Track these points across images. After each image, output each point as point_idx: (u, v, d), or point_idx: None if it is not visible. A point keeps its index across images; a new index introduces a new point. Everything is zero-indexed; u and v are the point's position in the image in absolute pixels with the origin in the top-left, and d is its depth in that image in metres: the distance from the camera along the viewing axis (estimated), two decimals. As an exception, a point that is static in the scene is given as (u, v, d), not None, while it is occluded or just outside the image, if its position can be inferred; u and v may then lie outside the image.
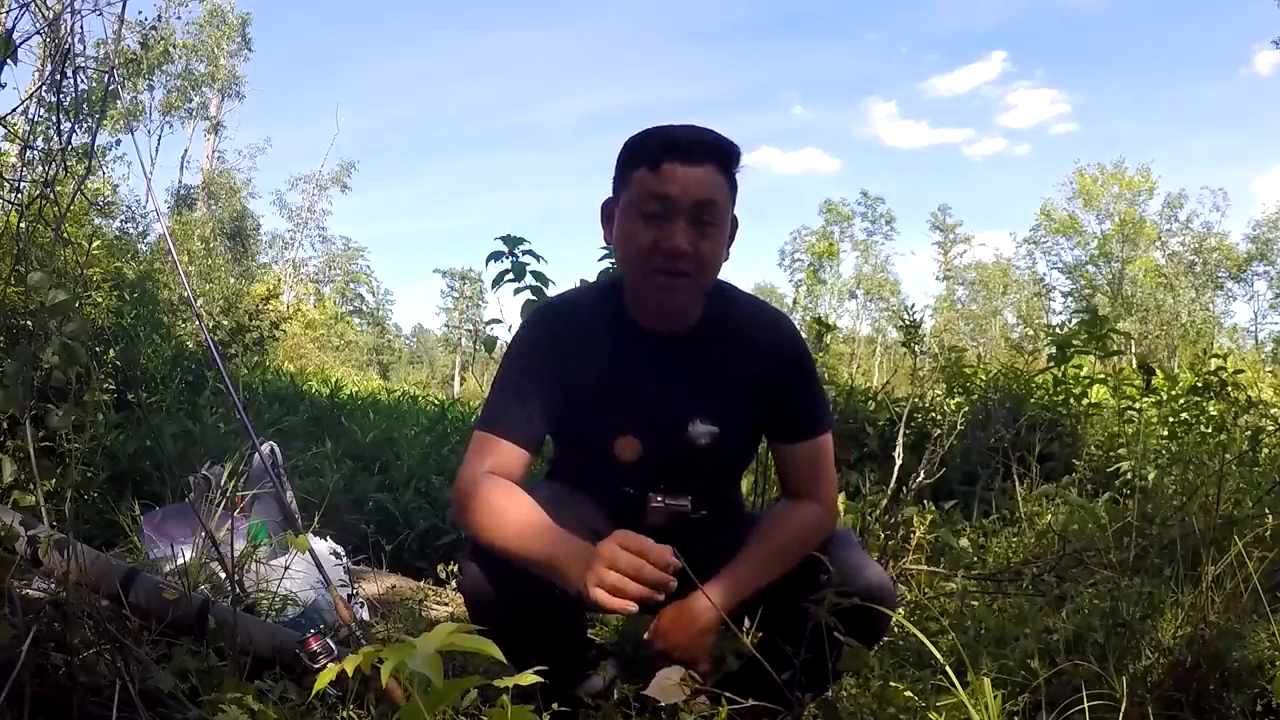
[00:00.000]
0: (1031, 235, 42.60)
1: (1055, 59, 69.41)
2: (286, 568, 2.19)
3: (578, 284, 2.65)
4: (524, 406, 1.56)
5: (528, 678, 0.94)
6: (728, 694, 1.39)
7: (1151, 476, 3.46)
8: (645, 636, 1.55)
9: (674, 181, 1.45)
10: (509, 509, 1.45)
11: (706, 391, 1.60)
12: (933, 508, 3.32)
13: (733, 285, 1.66)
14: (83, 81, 1.82)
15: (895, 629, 2.11)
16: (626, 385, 1.59)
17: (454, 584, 1.59)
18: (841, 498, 3.14)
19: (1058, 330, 4.53)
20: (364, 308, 46.33)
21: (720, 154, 1.50)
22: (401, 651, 0.84)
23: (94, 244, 5.45)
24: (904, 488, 3.04)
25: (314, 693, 1.41)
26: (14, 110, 1.90)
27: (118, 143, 20.68)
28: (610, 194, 1.58)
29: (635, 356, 1.59)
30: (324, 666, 1.67)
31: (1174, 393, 4.53)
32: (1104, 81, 68.28)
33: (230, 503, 2.50)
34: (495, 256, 3.01)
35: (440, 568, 2.55)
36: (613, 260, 3.03)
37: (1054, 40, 67.81)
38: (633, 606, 1.29)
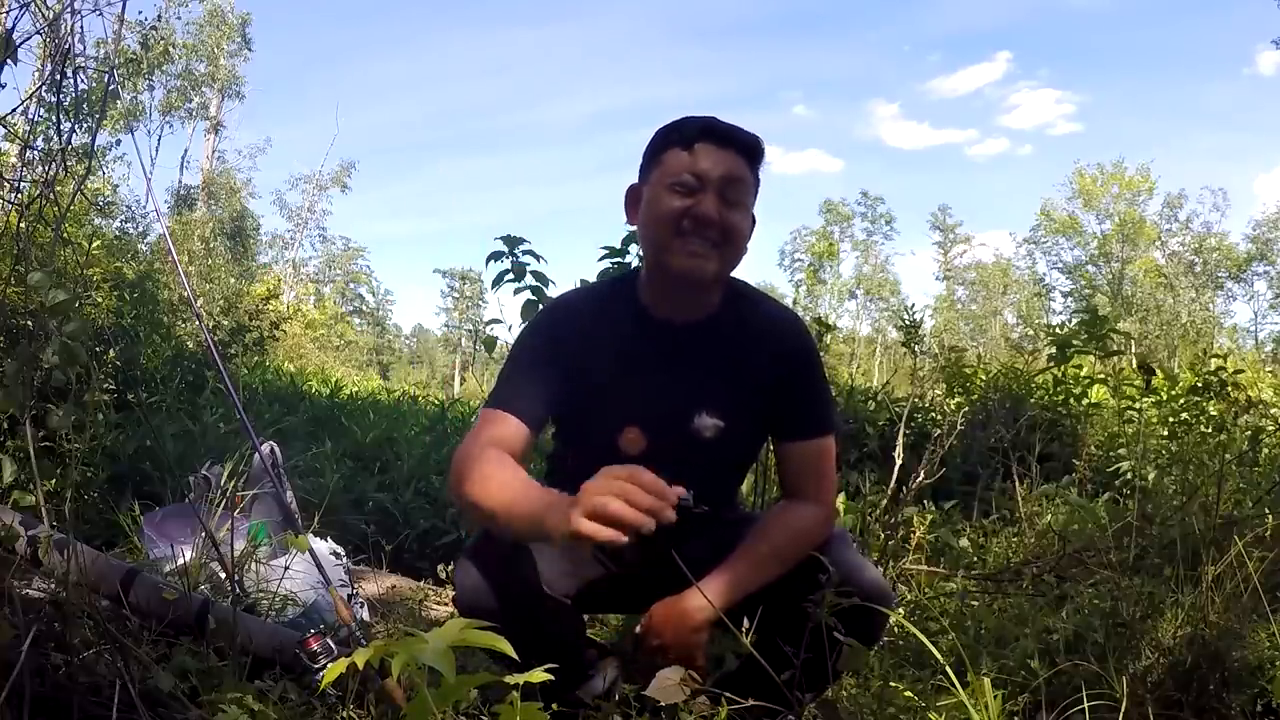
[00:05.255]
0: (1031, 235, 42.65)
1: (1060, 59, 69.50)
2: (286, 568, 2.19)
3: (578, 284, 2.65)
4: (530, 385, 1.57)
5: (538, 675, 0.93)
6: (728, 694, 1.39)
7: (1151, 476, 3.46)
8: (637, 632, 1.55)
9: (707, 159, 1.51)
10: (497, 474, 1.42)
11: (715, 384, 1.61)
12: (933, 508, 3.32)
13: (745, 282, 1.68)
14: (83, 81, 1.82)
15: (895, 629, 2.11)
16: (635, 374, 1.59)
17: (452, 590, 1.59)
18: (841, 498, 3.15)
19: (1058, 330, 4.52)
20: (364, 308, 46.35)
21: (748, 148, 1.56)
22: (412, 646, 0.83)
23: (94, 244, 5.46)
24: (904, 488, 3.04)
25: (322, 687, 1.41)
26: (14, 110, 1.90)
27: (118, 143, 20.64)
28: (636, 180, 1.61)
29: (645, 345, 1.60)
30: (324, 666, 1.68)
31: (1174, 393, 4.53)
32: (1108, 81, 68.42)
33: (230, 503, 2.50)
34: (495, 256, 3.01)
35: (440, 568, 2.56)
36: (613, 261, 3.03)
37: (1058, 40, 67.90)
38: (620, 535, 1.15)
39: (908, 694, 1.53)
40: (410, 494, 4.08)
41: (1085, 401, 4.80)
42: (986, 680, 1.26)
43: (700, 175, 1.50)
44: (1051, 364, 4.42)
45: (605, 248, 3.07)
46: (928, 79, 72.01)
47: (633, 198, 1.61)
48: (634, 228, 1.63)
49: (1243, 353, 25.43)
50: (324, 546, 2.43)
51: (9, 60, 1.59)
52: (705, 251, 1.51)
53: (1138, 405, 4.09)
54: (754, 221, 1.59)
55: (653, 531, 1.14)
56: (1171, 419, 4.37)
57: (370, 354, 44.85)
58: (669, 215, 1.51)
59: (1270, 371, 10.90)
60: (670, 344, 1.61)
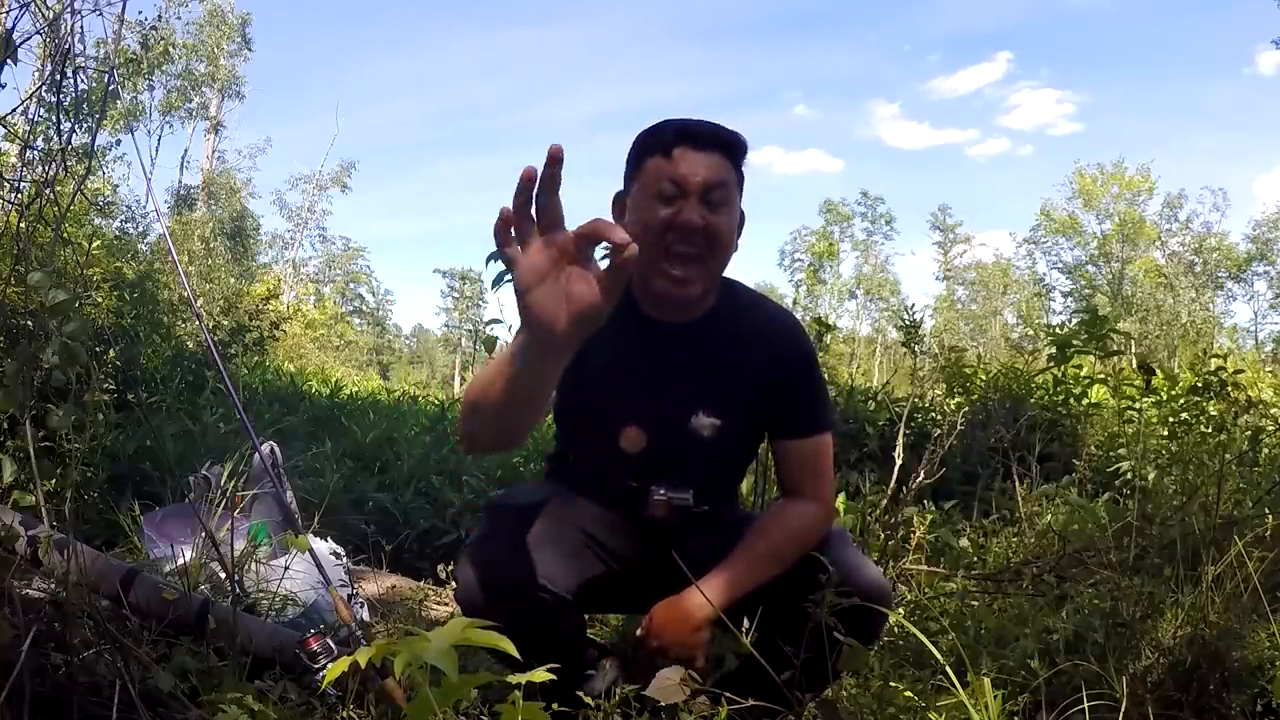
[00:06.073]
0: (1031, 235, 42.67)
1: (1060, 59, 69.51)
2: (286, 568, 2.19)
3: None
4: None
5: (540, 675, 0.93)
6: (728, 694, 1.39)
7: (1151, 476, 3.46)
8: (639, 633, 1.55)
9: (686, 164, 1.50)
10: (480, 370, 1.37)
11: (712, 384, 1.61)
12: (933, 508, 3.31)
13: (740, 282, 1.68)
14: (83, 81, 1.82)
15: (895, 629, 2.11)
16: (632, 375, 1.59)
17: (453, 586, 1.59)
18: (841, 498, 3.15)
19: (1058, 330, 4.52)
20: (364, 308, 46.36)
21: (728, 146, 1.54)
22: (415, 645, 0.83)
23: (94, 244, 5.46)
24: (904, 488, 3.04)
25: (323, 686, 1.41)
26: (14, 110, 1.90)
27: (118, 143, 20.62)
28: (621, 188, 1.60)
29: (642, 346, 1.60)
30: (324, 666, 1.68)
31: (1174, 393, 4.53)
32: (1108, 82, 68.42)
33: (230, 503, 2.50)
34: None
35: (440, 568, 2.56)
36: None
37: (1059, 41, 67.92)
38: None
39: (908, 694, 1.52)
40: (410, 494, 4.08)
41: (1085, 401, 4.79)
42: (986, 680, 1.26)
43: (680, 181, 1.49)
44: (1051, 364, 4.41)
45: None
46: (928, 79, 72.18)
47: (618, 207, 1.61)
48: None
49: (1243, 353, 25.42)
50: (324, 546, 2.43)
51: (9, 60, 1.59)
52: (691, 259, 1.50)
53: (1138, 405, 4.08)
54: (743, 217, 1.59)
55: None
56: (1171, 419, 4.36)
57: (370, 354, 44.86)
58: (653, 226, 1.50)
59: (1270, 371, 10.90)
60: (667, 344, 1.61)
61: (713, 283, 1.58)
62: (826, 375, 1.81)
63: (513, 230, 0.97)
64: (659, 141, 1.53)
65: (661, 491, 1.62)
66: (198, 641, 1.73)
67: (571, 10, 75.78)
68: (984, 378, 5.16)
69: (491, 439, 1.34)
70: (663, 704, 1.42)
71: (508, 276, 1.00)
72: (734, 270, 1.61)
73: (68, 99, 1.69)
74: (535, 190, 0.95)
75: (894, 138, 71.33)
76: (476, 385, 1.29)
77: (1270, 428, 4.23)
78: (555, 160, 0.93)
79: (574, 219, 1.00)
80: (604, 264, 1.01)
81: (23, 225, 1.70)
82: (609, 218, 1.62)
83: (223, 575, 2.02)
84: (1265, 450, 3.96)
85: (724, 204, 1.52)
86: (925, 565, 2.84)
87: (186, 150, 33.00)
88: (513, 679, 0.94)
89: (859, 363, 36.22)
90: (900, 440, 3.10)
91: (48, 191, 1.69)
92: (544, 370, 1.10)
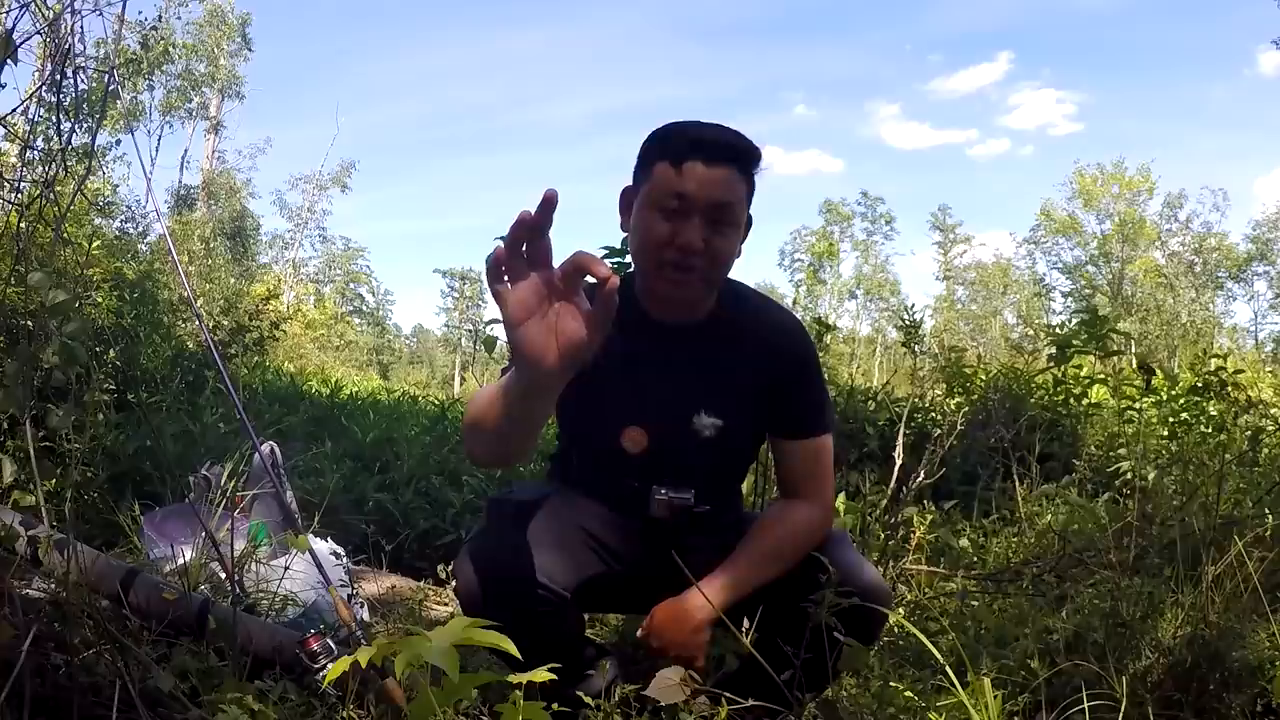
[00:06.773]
0: (1031, 235, 42.71)
1: (1061, 59, 69.47)
2: (286, 568, 2.19)
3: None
4: None
5: (541, 674, 0.93)
6: (728, 694, 1.39)
7: (1151, 476, 3.46)
8: (639, 634, 1.55)
9: (694, 180, 1.47)
10: (479, 391, 1.37)
11: (713, 384, 1.61)
12: (933, 508, 3.31)
13: (743, 283, 1.68)
14: (83, 81, 1.82)
15: (895, 629, 2.11)
16: (634, 375, 1.59)
17: (453, 584, 1.59)
18: (841, 498, 3.15)
19: (1058, 330, 4.53)
20: (364, 308, 46.37)
21: (742, 156, 1.52)
22: (416, 645, 0.83)
23: (94, 244, 5.46)
24: (904, 488, 3.04)
25: (324, 685, 1.41)
26: (14, 110, 1.90)
27: (118, 143, 20.61)
28: (630, 182, 1.59)
29: (644, 346, 1.60)
30: (324, 666, 1.68)
31: (1174, 393, 4.53)
32: (1109, 82, 68.44)
33: (230, 503, 2.50)
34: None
35: (440, 568, 2.56)
36: (614, 261, 3.03)
37: (1060, 40, 67.90)
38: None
39: (908, 694, 1.53)
40: (410, 494, 4.07)
41: (1085, 401, 4.79)
42: (986, 680, 1.26)
43: (686, 198, 1.47)
44: (1051, 364, 4.42)
45: (605, 248, 3.07)
46: (929, 79, 72.40)
47: (625, 203, 1.60)
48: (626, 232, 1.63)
49: (1243, 353, 25.43)
50: (324, 546, 2.43)
51: (9, 60, 1.59)
52: (688, 279, 1.51)
53: (1138, 405, 4.09)
54: (750, 221, 1.58)
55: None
56: (1171, 419, 4.37)
57: (370, 354, 44.81)
58: (654, 242, 1.50)
59: (1270, 371, 10.90)
60: (669, 344, 1.61)
61: (712, 290, 1.59)
62: (826, 375, 1.80)
63: (504, 269, 0.99)
64: (670, 149, 1.50)
65: (663, 491, 1.62)
66: (198, 641, 1.73)
67: (571, 10, 75.95)
68: (984, 378, 5.16)
69: (492, 459, 1.36)
70: (663, 704, 1.42)
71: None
72: (735, 271, 1.61)
73: (68, 99, 1.69)
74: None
75: (894, 138, 71.39)
76: (475, 407, 1.30)
77: (1270, 428, 4.23)
78: (550, 204, 0.95)
79: (575, 218, 1.00)
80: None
81: (23, 225, 1.70)
82: (616, 213, 1.62)
83: (223, 575, 2.02)
84: (1265, 450, 3.96)
85: (729, 223, 1.50)
86: (925, 565, 2.84)
87: (186, 150, 33.08)
88: (513, 679, 0.94)
89: (859, 363, 36.19)
90: (900, 440, 3.10)
91: (48, 191, 1.69)
92: (536, 403, 1.12)
